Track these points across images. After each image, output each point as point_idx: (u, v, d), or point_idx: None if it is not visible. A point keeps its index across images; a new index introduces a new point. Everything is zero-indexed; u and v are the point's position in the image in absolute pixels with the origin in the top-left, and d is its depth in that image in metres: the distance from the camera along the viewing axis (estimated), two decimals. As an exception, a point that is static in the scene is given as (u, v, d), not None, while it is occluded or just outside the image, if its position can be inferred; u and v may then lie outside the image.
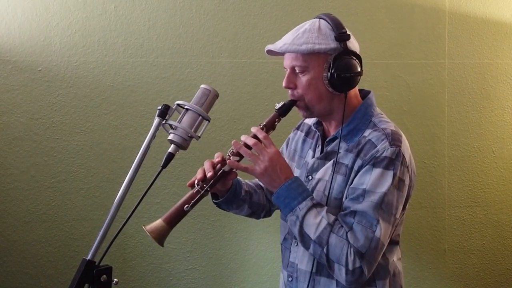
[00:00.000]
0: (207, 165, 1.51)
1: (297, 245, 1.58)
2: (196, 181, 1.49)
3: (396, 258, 1.57)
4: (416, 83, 2.79)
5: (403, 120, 2.77)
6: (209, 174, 1.48)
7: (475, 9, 2.82)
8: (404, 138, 1.50)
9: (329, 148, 1.56)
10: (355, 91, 1.56)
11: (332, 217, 1.41)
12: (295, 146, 1.71)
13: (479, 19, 2.83)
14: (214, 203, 1.68)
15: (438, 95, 2.82)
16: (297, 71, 1.49)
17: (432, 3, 2.78)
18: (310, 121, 1.69)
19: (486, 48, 2.85)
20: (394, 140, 1.45)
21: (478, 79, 2.85)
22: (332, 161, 1.53)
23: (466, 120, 2.86)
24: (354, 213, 1.40)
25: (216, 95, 1.40)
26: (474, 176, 2.89)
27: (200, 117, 1.36)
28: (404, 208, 1.50)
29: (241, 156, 1.48)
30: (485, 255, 2.94)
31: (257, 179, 1.81)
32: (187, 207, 1.46)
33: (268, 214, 1.81)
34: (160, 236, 1.44)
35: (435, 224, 2.88)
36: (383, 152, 1.42)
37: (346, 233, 1.38)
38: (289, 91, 1.52)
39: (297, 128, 1.76)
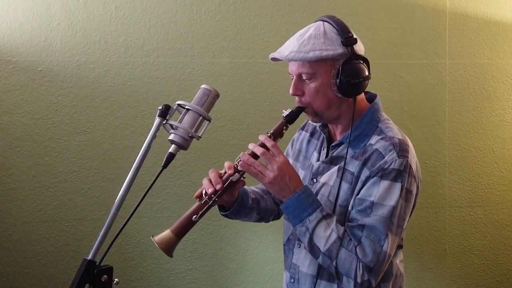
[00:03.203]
0: (213, 176, 1.48)
1: (300, 247, 1.58)
2: (203, 193, 1.48)
3: (398, 261, 1.58)
4: (417, 83, 2.79)
5: (403, 120, 2.77)
6: (218, 187, 1.45)
7: (475, 9, 2.82)
8: (411, 147, 1.48)
9: (334, 153, 1.54)
10: (361, 95, 1.54)
11: (342, 229, 1.41)
12: (300, 146, 1.70)
13: (480, 19, 2.83)
14: (222, 215, 1.67)
15: (438, 95, 2.82)
16: (304, 78, 1.46)
17: (432, 3, 2.77)
18: None
19: (487, 48, 2.84)
20: (401, 150, 1.44)
21: (478, 79, 2.85)
22: (337, 166, 1.51)
23: (467, 120, 2.86)
24: (362, 226, 1.40)
25: (217, 95, 1.40)
26: (475, 176, 2.89)
27: (201, 117, 1.36)
28: (409, 215, 1.51)
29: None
30: (486, 255, 2.94)
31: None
32: (195, 217, 1.45)
33: (277, 217, 1.80)
34: (169, 248, 1.44)
35: (436, 224, 2.87)
36: (391, 164, 1.41)
37: (355, 247, 1.38)
38: (296, 98, 1.50)
39: (302, 128, 1.75)
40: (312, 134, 1.68)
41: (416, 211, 2.77)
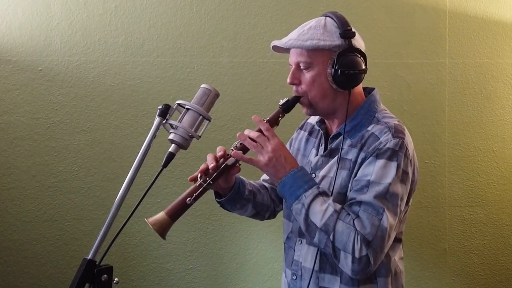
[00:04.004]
0: (209, 157, 1.50)
1: (301, 243, 1.57)
2: (198, 174, 1.49)
3: (398, 257, 1.57)
4: (417, 82, 2.79)
5: (403, 119, 2.74)
6: (211, 165, 1.47)
7: (475, 8, 2.82)
8: (407, 132, 1.50)
9: (333, 145, 1.55)
10: (359, 89, 1.56)
11: (339, 206, 1.40)
12: (299, 145, 1.71)
13: (480, 18, 2.83)
14: (218, 202, 1.68)
15: (438, 95, 2.82)
16: (301, 67, 1.49)
17: (432, 3, 2.77)
18: (313, 120, 1.69)
19: (487, 48, 2.84)
20: (397, 132, 1.45)
21: (478, 78, 2.85)
22: (336, 157, 1.52)
23: (467, 119, 2.86)
24: (359, 203, 1.39)
25: (217, 95, 1.40)
26: (475, 176, 2.89)
27: (201, 117, 1.36)
28: (407, 204, 1.50)
29: (244, 150, 1.47)
30: (486, 255, 2.94)
31: (261, 180, 1.81)
32: (189, 200, 1.45)
33: (273, 215, 1.80)
34: (162, 229, 1.43)
35: (436, 224, 2.88)
36: (386, 144, 1.43)
37: (353, 220, 1.37)
38: (293, 87, 1.52)
39: (301, 128, 1.76)
40: (310, 133, 1.69)
41: (416, 210, 2.80)
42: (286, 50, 1.53)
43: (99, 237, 1.25)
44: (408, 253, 2.82)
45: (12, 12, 2.48)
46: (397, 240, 1.55)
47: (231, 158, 1.48)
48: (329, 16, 1.51)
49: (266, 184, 1.79)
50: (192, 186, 1.48)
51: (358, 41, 1.51)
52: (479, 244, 2.93)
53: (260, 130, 1.47)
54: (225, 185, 1.60)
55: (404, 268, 1.62)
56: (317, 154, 1.61)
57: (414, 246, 2.85)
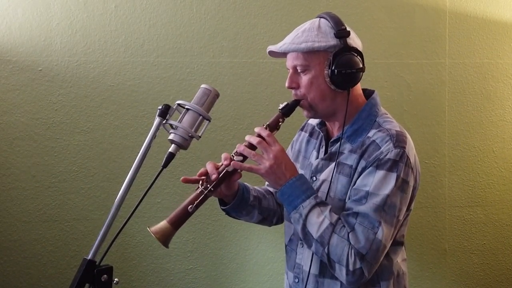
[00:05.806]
0: (209, 166, 1.50)
1: (302, 246, 1.57)
2: (200, 182, 1.48)
3: (400, 259, 1.57)
4: (417, 82, 2.79)
5: (403, 119, 2.77)
6: (213, 177, 1.46)
7: (475, 8, 2.82)
8: (409, 139, 1.49)
9: (333, 149, 1.55)
10: (358, 91, 1.55)
11: (335, 217, 1.41)
12: (299, 146, 1.71)
13: (480, 18, 2.83)
14: (223, 209, 1.67)
15: (438, 95, 2.82)
16: (299, 70, 1.49)
17: (432, 3, 2.78)
18: (314, 121, 1.69)
19: (487, 48, 2.85)
20: (398, 141, 1.44)
21: (478, 78, 2.85)
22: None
23: (467, 119, 2.86)
24: (356, 214, 1.39)
25: (217, 95, 1.40)
26: (475, 176, 2.89)
27: (201, 117, 1.36)
28: (409, 209, 1.50)
29: (245, 156, 1.47)
30: (486, 255, 2.94)
31: (265, 186, 1.81)
32: (191, 207, 1.45)
33: (280, 220, 1.78)
34: (165, 238, 1.44)
35: (436, 224, 2.88)
36: (387, 154, 1.42)
37: (348, 233, 1.38)
38: (292, 91, 1.52)
39: (302, 129, 1.75)
40: (311, 134, 1.69)
41: (416, 211, 2.79)
42: (283, 54, 1.52)
43: (99, 237, 1.25)
44: (408, 254, 2.79)
45: (12, 12, 2.48)
46: (399, 243, 1.55)
47: (232, 166, 1.47)
48: (323, 17, 1.51)
49: (270, 189, 1.78)
50: (193, 194, 1.47)
51: (354, 40, 1.50)
52: (479, 244, 2.93)
53: (260, 136, 1.46)
54: (228, 192, 1.59)
55: (406, 269, 1.62)
56: (317, 157, 1.61)
57: (414, 246, 2.85)
